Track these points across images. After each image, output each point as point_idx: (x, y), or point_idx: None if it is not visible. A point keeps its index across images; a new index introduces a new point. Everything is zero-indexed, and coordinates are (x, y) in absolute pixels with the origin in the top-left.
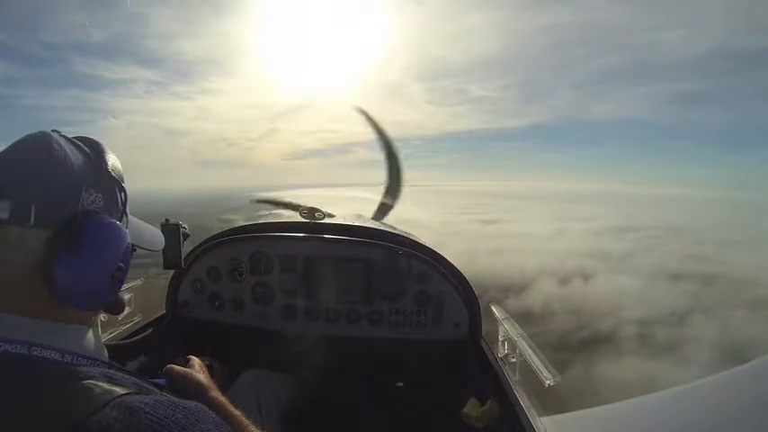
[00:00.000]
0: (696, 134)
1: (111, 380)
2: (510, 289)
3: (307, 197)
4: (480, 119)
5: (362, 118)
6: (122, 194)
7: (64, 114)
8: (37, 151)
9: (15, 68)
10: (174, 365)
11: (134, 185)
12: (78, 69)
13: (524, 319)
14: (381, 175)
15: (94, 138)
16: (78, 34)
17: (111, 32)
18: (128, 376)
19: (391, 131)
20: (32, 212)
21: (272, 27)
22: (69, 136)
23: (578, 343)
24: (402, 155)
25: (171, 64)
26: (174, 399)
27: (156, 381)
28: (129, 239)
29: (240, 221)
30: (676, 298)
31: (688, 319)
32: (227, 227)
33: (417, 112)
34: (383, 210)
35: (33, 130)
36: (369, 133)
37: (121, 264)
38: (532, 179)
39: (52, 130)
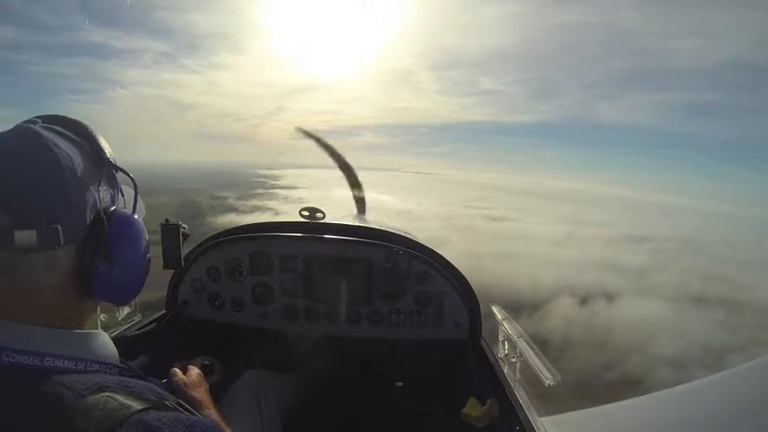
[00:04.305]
0: (705, 145)
1: (126, 389)
2: (522, 308)
3: (310, 177)
4: (489, 111)
5: (304, 135)
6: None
7: (71, 83)
8: (43, 165)
9: (21, 33)
10: (176, 371)
11: (135, 157)
12: (86, 37)
13: (539, 349)
14: (386, 160)
15: (79, 120)
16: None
17: (121, 1)
18: (142, 382)
19: (399, 117)
20: (60, 233)
21: (285, 5)
22: (52, 124)
23: (604, 388)
24: (404, 140)
25: (181, 36)
26: (191, 417)
27: (161, 383)
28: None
29: (231, 199)
30: (706, 330)
31: (726, 361)
32: (218, 204)
33: (426, 101)
34: (360, 202)
35: (40, 97)
36: (376, 117)
37: (149, 254)
38: (538, 176)
39: (41, 125)
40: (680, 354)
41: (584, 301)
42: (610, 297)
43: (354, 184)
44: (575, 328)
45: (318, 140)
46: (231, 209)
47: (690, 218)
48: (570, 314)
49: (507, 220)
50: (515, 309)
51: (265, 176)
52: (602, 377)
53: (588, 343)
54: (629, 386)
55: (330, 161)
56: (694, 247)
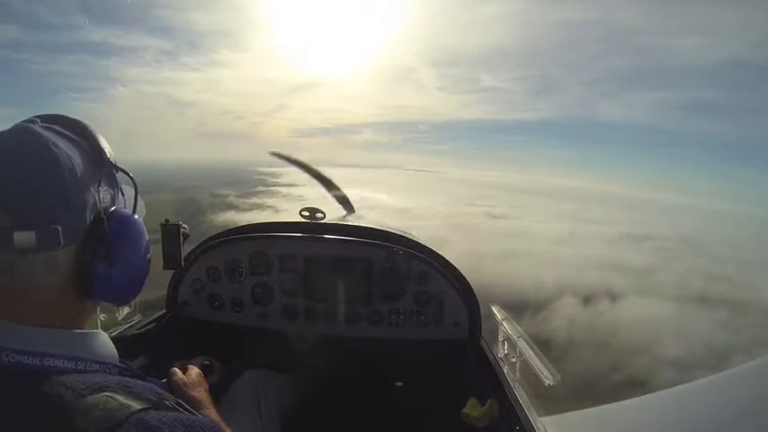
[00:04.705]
0: (706, 144)
1: (126, 389)
2: (522, 308)
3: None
4: (489, 109)
5: (279, 159)
6: (131, 179)
7: (72, 81)
8: (43, 165)
9: (22, 32)
10: (176, 370)
11: (136, 155)
12: (87, 35)
13: (542, 349)
14: (387, 158)
15: (78, 119)
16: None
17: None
18: (141, 382)
19: (400, 115)
20: (60, 234)
21: (286, 3)
22: (51, 124)
23: (609, 389)
24: (404, 138)
25: (182, 34)
26: (191, 416)
27: (161, 383)
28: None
29: (231, 196)
30: (709, 330)
31: (729, 361)
32: (218, 201)
33: (427, 98)
34: (344, 201)
35: (42, 95)
36: (377, 115)
37: (149, 254)
38: (538, 174)
39: (40, 124)
40: (683, 355)
41: (586, 300)
42: (612, 296)
43: (328, 185)
44: (577, 328)
45: (290, 160)
46: (231, 207)
47: (690, 217)
48: (572, 314)
49: (508, 218)
50: (516, 308)
51: (266, 174)
52: (608, 378)
53: (591, 343)
54: (634, 387)
55: (319, 167)
56: (695, 247)
